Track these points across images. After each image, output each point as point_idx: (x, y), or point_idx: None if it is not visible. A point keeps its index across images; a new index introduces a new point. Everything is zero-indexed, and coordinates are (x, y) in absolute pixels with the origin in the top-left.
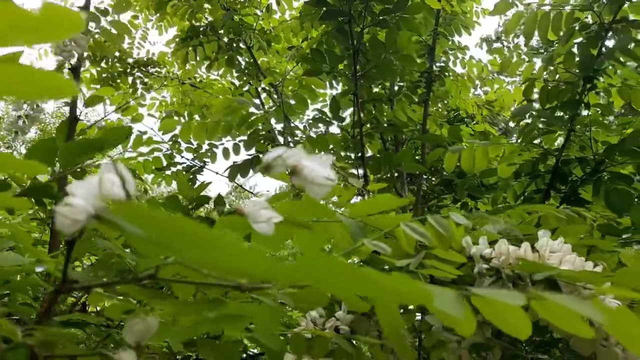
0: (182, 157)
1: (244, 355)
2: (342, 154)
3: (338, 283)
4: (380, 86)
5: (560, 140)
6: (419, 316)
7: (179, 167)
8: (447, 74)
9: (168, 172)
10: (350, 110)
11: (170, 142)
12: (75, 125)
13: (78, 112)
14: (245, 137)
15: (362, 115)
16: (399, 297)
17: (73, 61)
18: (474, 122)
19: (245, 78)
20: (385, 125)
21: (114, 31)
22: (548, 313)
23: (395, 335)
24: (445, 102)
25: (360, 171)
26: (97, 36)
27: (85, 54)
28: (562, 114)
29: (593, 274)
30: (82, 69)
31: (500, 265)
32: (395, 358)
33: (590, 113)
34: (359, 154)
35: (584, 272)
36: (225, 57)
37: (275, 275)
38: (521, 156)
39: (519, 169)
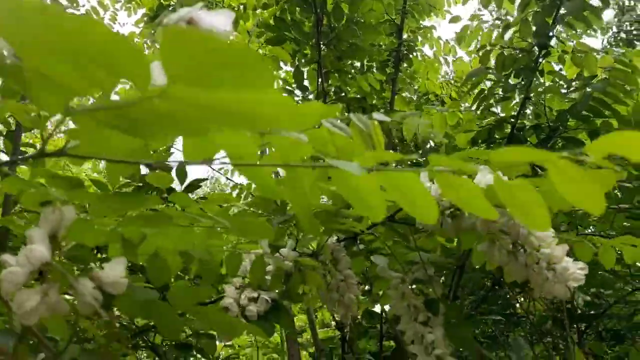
0: None
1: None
2: None
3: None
4: (350, 66)
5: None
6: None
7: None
8: (414, 53)
9: None
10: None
11: None
12: None
13: None
14: None
15: (325, 85)
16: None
17: None
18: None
19: None
20: (351, 96)
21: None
22: (452, 191)
23: (303, 212)
24: (415, 87)
25: None
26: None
27: None
28: (517, 81)
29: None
30: None
31: (438, 199)
32: (339, 295)
33: (544, 81)
34: None
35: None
36: None
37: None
38: (479, 124)
39: (476, 136)
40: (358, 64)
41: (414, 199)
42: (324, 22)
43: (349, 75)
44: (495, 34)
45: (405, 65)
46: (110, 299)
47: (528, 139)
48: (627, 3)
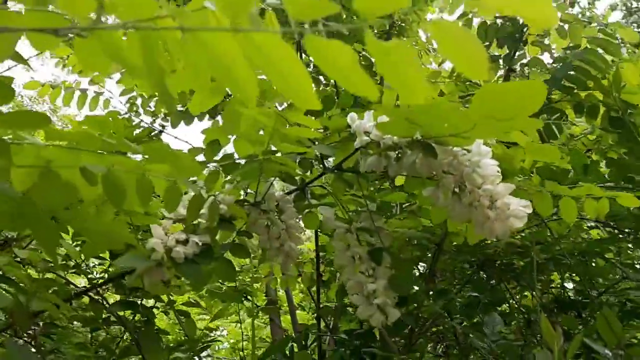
0: (141, 120)
1: None
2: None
3: None
4: None
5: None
6: None
7: (137, 130)
8: (406, 35)
9: None
10: None
11: (128, 105)
12: None
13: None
14: None
15: (305, 57)
16: None
17: None
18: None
19: None
20: None
21: None
22: (323, 59)
23: (155, 79)
24: None
25: None
26: None
27: None
28: (502, 52)
29: None
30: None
31: (379, 137)
32: (279, 244)
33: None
34: None
35: None
36: None
37: None
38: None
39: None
40: None
41: (282, 70)
42: None
43: None
44: None
45: None
46: None
47: None
48: (634, 5)
